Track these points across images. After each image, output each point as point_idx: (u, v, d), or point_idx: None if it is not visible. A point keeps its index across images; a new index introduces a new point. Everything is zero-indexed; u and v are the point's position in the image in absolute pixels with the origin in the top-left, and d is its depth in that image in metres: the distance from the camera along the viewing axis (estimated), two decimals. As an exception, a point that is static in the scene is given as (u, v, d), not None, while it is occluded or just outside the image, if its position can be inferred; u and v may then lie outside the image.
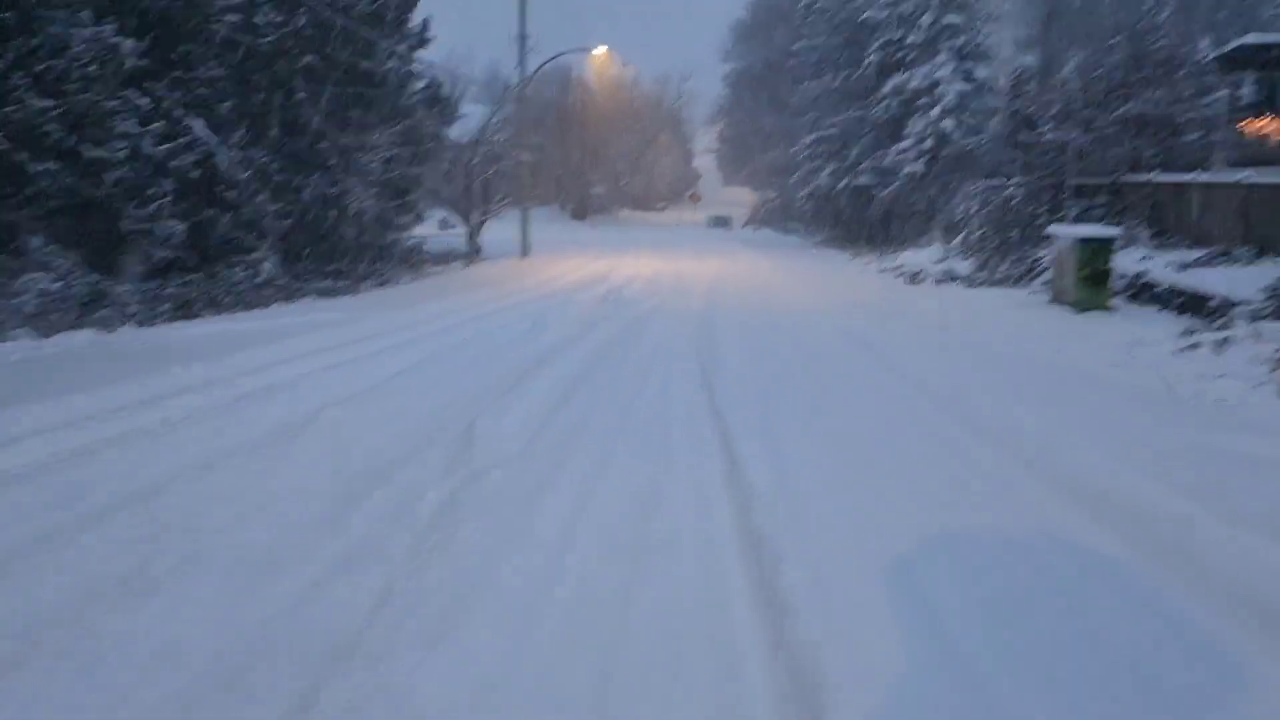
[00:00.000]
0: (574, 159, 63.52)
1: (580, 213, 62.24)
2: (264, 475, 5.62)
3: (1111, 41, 19.40)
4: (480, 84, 28.26)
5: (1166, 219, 16.82)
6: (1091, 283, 13.77)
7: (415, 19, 22.86)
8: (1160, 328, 11.68)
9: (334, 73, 20.85)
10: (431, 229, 33.24)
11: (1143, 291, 14.36)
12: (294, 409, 7.30)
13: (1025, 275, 17.83)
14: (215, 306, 14.51)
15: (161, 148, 15.28)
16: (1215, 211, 15.32)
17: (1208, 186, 15.68)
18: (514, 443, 6.38)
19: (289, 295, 16.38)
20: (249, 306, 14.71)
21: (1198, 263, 14.10)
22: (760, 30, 65.32)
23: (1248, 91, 23.95)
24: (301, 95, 19.29)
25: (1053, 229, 15.00)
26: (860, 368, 9.61)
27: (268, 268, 17.09)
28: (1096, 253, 13.74)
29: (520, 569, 4.28)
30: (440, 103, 22.86)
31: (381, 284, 21.27)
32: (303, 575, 4.19)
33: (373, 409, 7.45)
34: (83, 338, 10.75)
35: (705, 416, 7.29)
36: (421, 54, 23.22)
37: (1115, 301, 14.07)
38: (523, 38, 29.19)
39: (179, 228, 15.57)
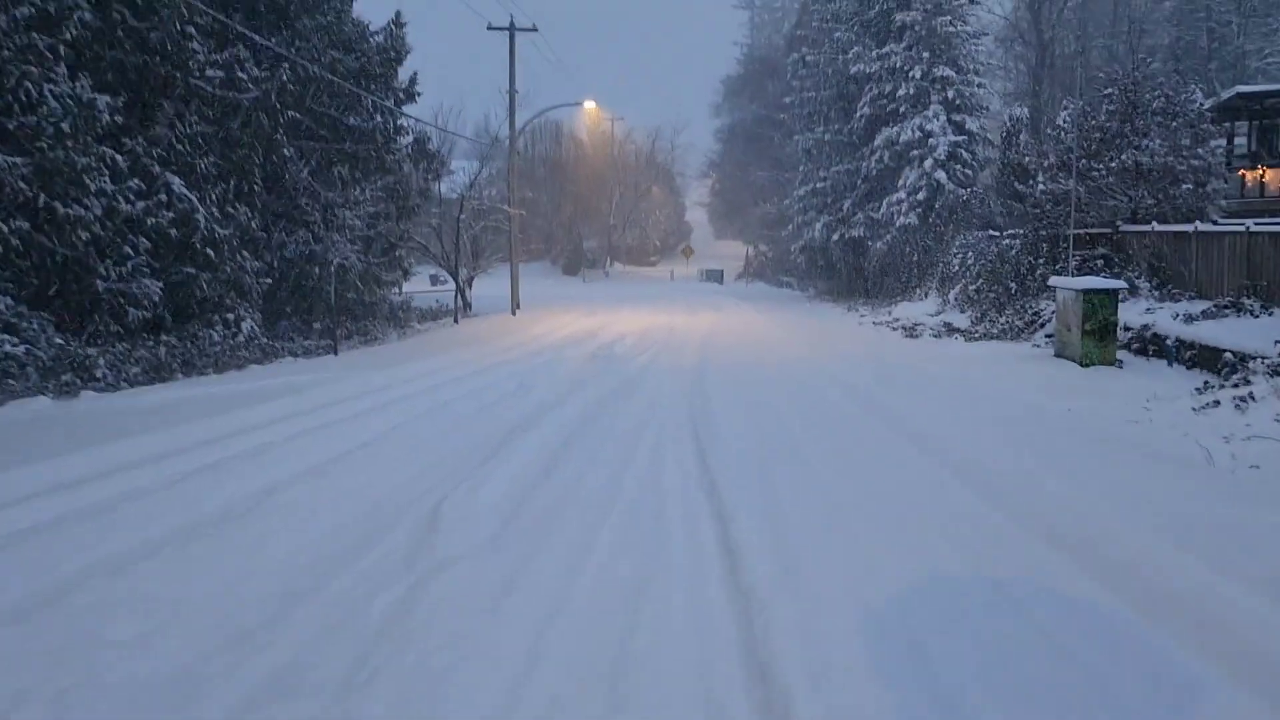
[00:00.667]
0: (565, 213, 63.53)
1: (572, 267, 62.07)
2: (193, 573, 4.97)
3: (1106, 91, 19.16)
4: (470, 140, 27.98)
5: (1168, 270, 16.43)
6: (1097, 336, 13.32)
7: (403, 74, 22.67)
8: (1172, 383, 11.21)
9: (319, 128, 20.59)
10: (423, 285, 33.00)
11: (1149, 345, 13.91)
12: (246, 486, 6.72)
13: (1026, 328, 17.41)
14: (190, 368, 13.98)
15: (138, 205, 14.87)
16: (1218, 262, 14.93)
17: (1210, 236, 15.30)
18: (486, 525, 5.82)
19: (268, 356, 15.87)
20: (224, 368, 14.17)
21: (1205, 315, 13.66)
22: (751, 85, 65.81)
23: (1240, 141, 23.83)
24: (286, 150, 18.97)
25: (1055, 281, 14.59)
26: (866, 431, 9.10)
27: (248, 327, 16.60)
28: (1101, 305, 13.31)
29: (474, 699, 3.65)
30: (428, 157, 22.57)
31: (367, 342, 20.80)
32: (209, 714, 3.53)
33: (334, 485, 6.92)
34: (39, 405, 10.17)
35: (700, 496, 6.63)
36: (410, 108, 22.99)
37: (1121, 355, 13.62)
38: (512, 93, 29.07)
39: (155, 287, 15.11)
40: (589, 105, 32.80)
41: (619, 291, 44.14)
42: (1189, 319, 13.71)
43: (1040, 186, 25.20)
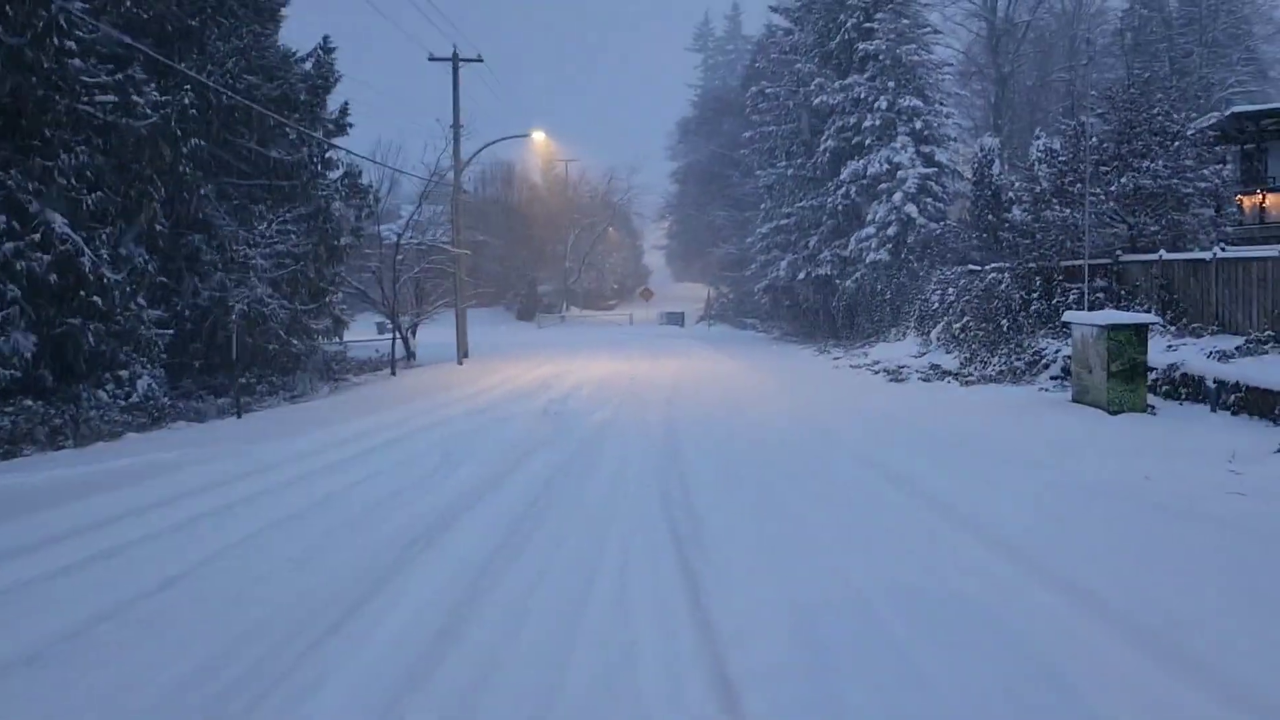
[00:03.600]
0: (519, 257, 61.57)
1: (527, 313, 59.99)
2: None
3: (1100, 111, 17.67)
4: (412, 175, 25.98)
5: (1182, 302, 14.78)
6: (1124, 379, 11.55)
7: (333, 104, 20.71)
8: (1231, 433, 9.44)
9: (237, 162, 18.52)
10: (370, 333, 30.73)
11: (1180, 387, 12.16)
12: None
13: (1027, 369, 15.65)
14: (58, 437, 11.75)
15: (5, 245, 12.70)
16: (1245, 291, 13.29)
17: (1234, 263, 13.67)
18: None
19: (158, 420, 13.65)
20: (95, 438, 11.93)
21: (1242, 352, 11.95)
22: (707, 124, 64.67)
23: (1231, 166, 22.48)
24: (201, 188, 16.87)
25: (1071, 316, 12.84)
26: (888, 506, 7.21)
27: (144, 385, 14.37)
28: (1128, 343, 11.55)
29: None
30: (359, 193, 20.52)
31: (294, 398, 18.61)
32: None
33: (99, 664, 4.51)
34: None
35: (697, 663, 4.33)
36: (342, 141, 21.00)
37: (1149, 399, 11.85)
38: (456, 126, 27.18)
39: (27, 342, 12.92)
40: (538, 136, 31.00)
41: (576, 337, 42.14)
42: (1223, 357, 11.99)
43: (1018, 217, 23.79)
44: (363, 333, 31.43)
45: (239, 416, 14.29)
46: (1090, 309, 15.37)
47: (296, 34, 20.99)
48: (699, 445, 10.52)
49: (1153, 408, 11.61)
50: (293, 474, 9.23)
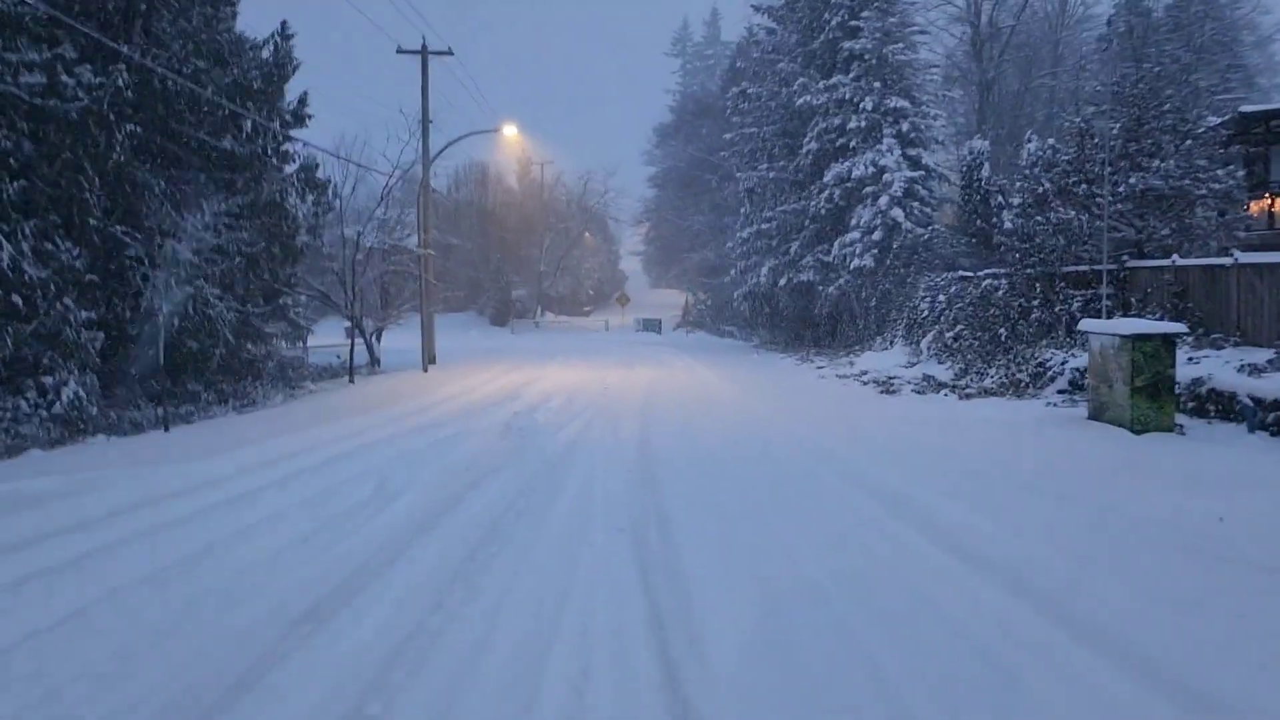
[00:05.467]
0: (493, 261, 60.22)
1: (500, 318, 58.62)
2: None
3: (1104, 108, 16.69)
4: (379, 172, 24.65)
5: (1197, 310, 13.79)
6: (1149, 395, 10.49)
7: (292, 94, 19.40)
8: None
9: (186, 154, 17.19)
10: (336, 338, 29.33)
11: (1207, 404, 11.12)
12: None
13: (1031, 382, 14.60)
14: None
15: (-92, 238, 11.40)
16: (1270, 299, 12.31)
17: (1257, 269, 12.69)
18: None
19: (74, 434, 12.34)
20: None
21: (1275, 365, 10.93)
22: (685, 128, 63.63)
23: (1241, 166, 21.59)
24: (151, 179, 15.56)
25: (1088, 325, 11.77)
26: (910, 556, 6.02)
27: (70, 394, 13.03)
28: (1154, 355, 10.50)
29: None
30: (316, 188, 19.22)
31: (245, 406, 17.30)
32: None
33: None
34: None
35: None
36: (301, 134, 19.67)
37: (1177, 418, 10.79)
38: (425, 120, 25.89)
39: (-69, 344, 11.61)
40: (509, 132, 29.75)
41: (549, 343, 40.89)
42: (1255, 371, 10.97)
43: (1009, 222, 22.82)
44: (329, 338, 30.07)
45: (166, 430, 12.96)
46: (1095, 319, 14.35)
47: (254, 22, 19.73)
48: (680, 473, 9.03)
49: (1180, 427, 10.56)
50: (180, 512, 7.55)
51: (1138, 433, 10.39)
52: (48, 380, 13.11)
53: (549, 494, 8.19)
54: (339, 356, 23.99)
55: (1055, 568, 5.54)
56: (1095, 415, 11.39)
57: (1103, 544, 6.08)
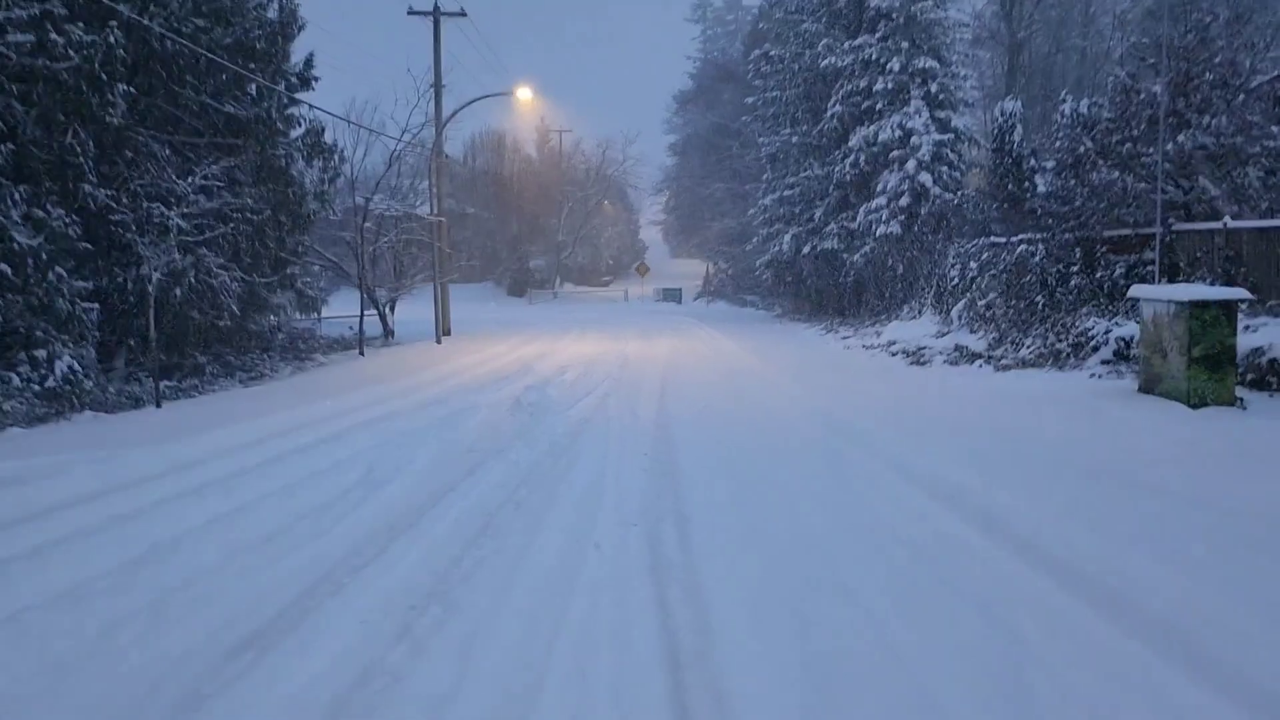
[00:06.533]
0: (511, 230, 59.50)
1: (518, 288, 57.97)
2: None
3: (1150, 61, 15.76)
4: (389, 137, 23.95)
5: (1250, 275, 12.93)
6: (1209, 366, 9.72)
7: (297, 55, 18.71)
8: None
9: (189, 118, 16.57)
10: (354, 309, 28.67)
11: (1269, 374, 10.33)
12: None
13: (1073, 352, 13.82)
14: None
15: (-113, 204, 10.84)
16: (1335, 264, 11.48)
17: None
18: None
19: (64, 409, 11.84)
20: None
21: (1343, 333, 10.13)
22: (706, 94, 62.57)
23: None
24: (133, 137, 14.95)
25: (1140, 290, 10.98)
26: (995, 576, 4.94)
27: (64, 366, 12.50)
28: (1214, 323, 9.72)
29: None
30: (323, 153, 18.55)
31: (253, 379, 16.78)
32: None
33: None
34: None
35: None
36: (308, 96, 19.00)
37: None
38: (438, 85, 25.15)
39: (-86, 316, 11.09)
40: (524, 95, 28.95)
41: (567, 314, 40.24)
42: (1322, 339, 10.16)
43: (1042, 185, 21.89)
44: (345, 309, 29.49)
45: (158, 405, 12.41)
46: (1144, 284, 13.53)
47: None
48: (701, 459, 8.17)
49: (1241, 400, 9.79)
50: (136, 504, 6.74)
51: (1195, 407, 9.63)
52: (40, 353, 12.59)
53: (554, 483, 7.38)
54: (351, 328, 23.44)
55: (1165, 588, 4.53)
56: (1147, 388, 10.63)
57: (1215, 553, 5.04)
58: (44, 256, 12.60)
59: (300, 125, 18.28)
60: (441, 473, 7.74)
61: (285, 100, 17.90)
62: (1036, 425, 9.28)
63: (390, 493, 7.00)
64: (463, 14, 25.83)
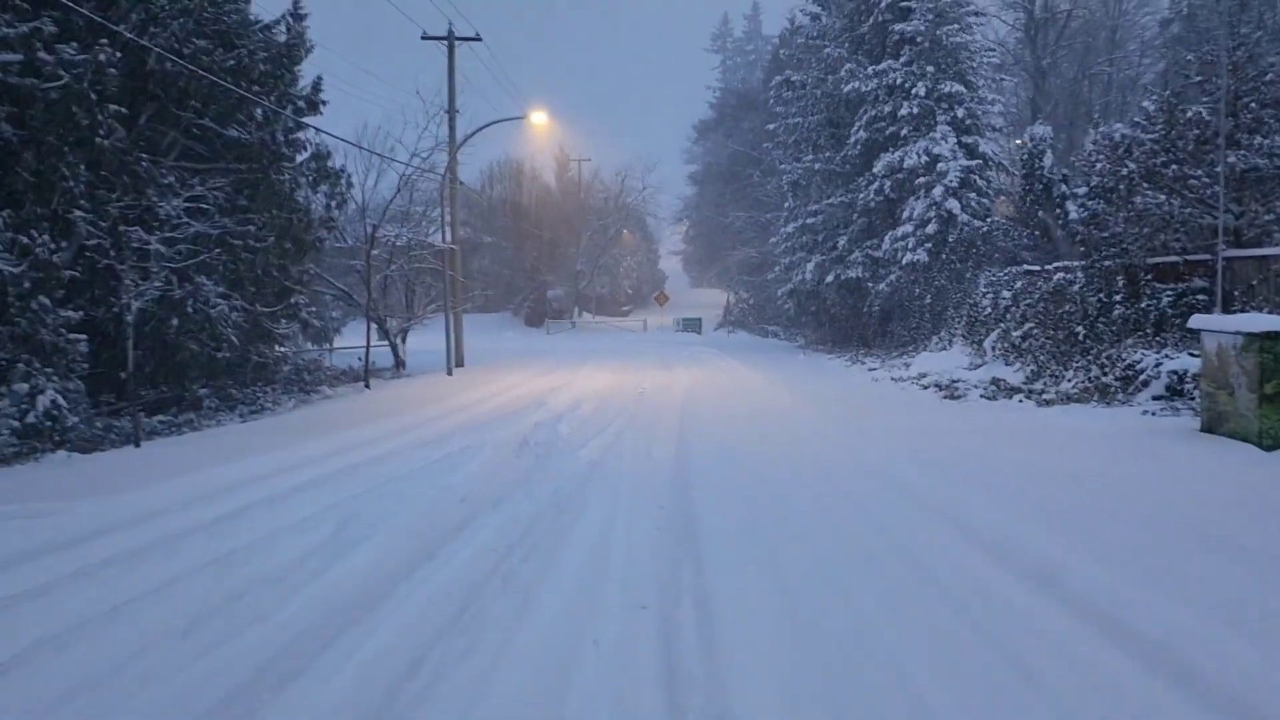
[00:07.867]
0: (528, 259, 58.94)
1: (535, 318, 57.33)
2: None
3: (1198, 79, 14.93)
4: (401, 164, 23.39)
5: (1313, 305, 12.03)
6: (1282, 404, 8.80)
7: (305, 77, 18.14)
8: None
9: (184, 138, 15.99)
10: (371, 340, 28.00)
11: (1347, 413, 9.39)
12: None
13: (1122, 386, 12.91)
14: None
15: None
16: None
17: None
18: None
19: (30, 450, 11.11)
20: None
21: None
22: (726, 122, 62.15)
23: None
24: (127, 160, 14.34)
25: (1200, 321, 10.10)
26: (1097, 680, 3.97)
27: (46, 401, 11.81)
28: (1288, 357, 8.81)
29: None
30: (329, 178, 17.93)
31: (254, 413, 16.06)
32: None
33: None
34: None
35: None
36: (314, 121, 18.42)
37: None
38: (452, 110, 24.58)
39: (-115, 348, 10.43)
40: (538, 119, 28.33)
41: (585, 344, 39.49)
42: (1404, 375, 9.22)
43: (1074, 211, 21.05)
44: (358, 339, 28.85)
45: (137, 445, 11.66)
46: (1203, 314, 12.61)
47: (271, 6, 18.51)
48: (725, 514, 7.08)
49: (1319, 442, 8.87)
50: (45, 577, 5.70)
51: (1268, 449, 8.72)
52: (21, 387, 11.90)
53: (554, 545, 6.36)
54: (360, 359, 22.76)
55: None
56: (1210, 427, 9.71)
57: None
58: (26, 285, 11.94)
59: (306, 150, 17.68)
60: (424, 531, 6.78)
61: (291, 124, 17.32)
62: (1092, 471, 8.32)
63: (356, 561, 6.03)
64: (478, 38, 25.32)
